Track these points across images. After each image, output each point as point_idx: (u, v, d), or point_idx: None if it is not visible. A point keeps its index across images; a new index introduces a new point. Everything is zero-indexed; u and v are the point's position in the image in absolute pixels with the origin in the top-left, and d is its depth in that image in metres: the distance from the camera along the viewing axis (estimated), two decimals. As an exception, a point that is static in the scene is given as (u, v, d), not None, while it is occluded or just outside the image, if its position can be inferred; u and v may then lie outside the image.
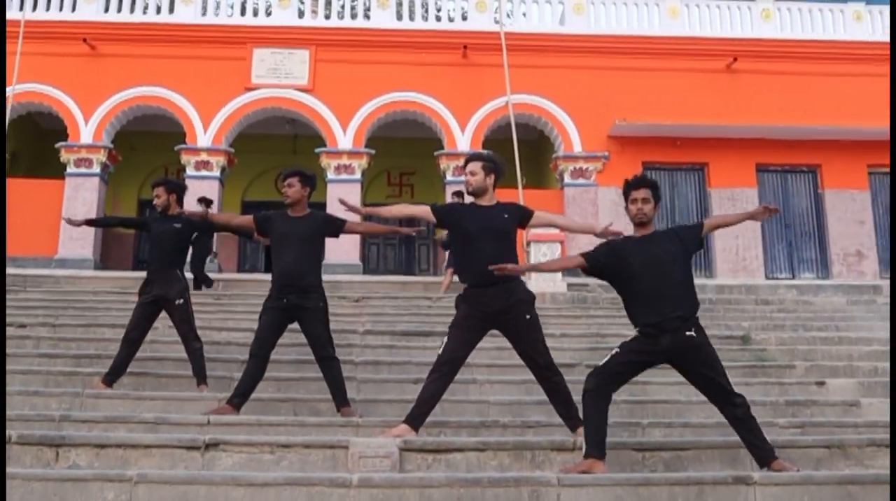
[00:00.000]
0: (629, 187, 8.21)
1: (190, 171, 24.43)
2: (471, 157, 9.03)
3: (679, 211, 25.30)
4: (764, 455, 7.78)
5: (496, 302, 8.61)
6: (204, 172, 24.24)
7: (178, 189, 11.73)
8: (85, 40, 24.63)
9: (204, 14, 25.95)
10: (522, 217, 8.92)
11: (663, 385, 11.23)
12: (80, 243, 22.93)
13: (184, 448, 7.90)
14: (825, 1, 26.92)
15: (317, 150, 24.86)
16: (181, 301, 11.13)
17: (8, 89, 22.21)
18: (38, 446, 7.81)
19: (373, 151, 24.95)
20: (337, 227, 10.35)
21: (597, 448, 7.74)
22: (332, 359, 10.09)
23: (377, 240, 29.61)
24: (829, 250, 25.04)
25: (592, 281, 16.71)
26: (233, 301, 17.78)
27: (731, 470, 7.83)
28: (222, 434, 8.31)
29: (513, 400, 10.83)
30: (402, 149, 28.11)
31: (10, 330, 13.72)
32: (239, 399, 9.59)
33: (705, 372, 7.92)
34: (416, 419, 8.49)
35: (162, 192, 11.44)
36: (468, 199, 8.95)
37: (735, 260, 24.41)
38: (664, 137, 24.93)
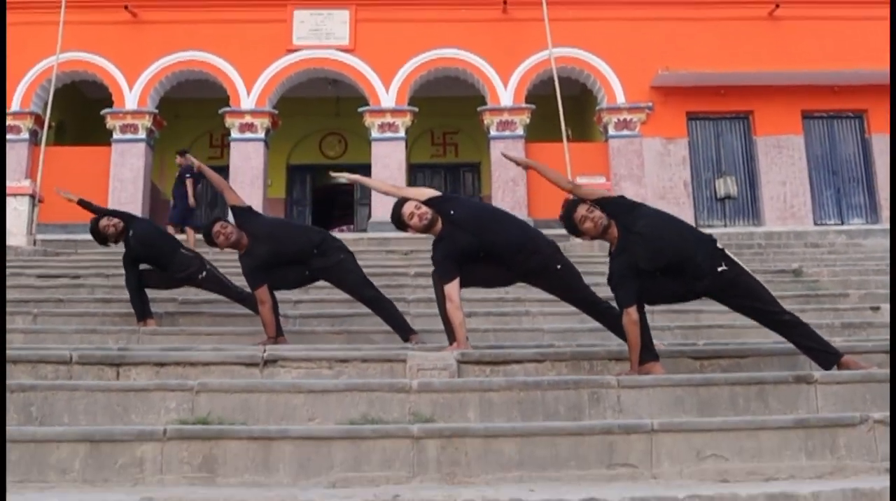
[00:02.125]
0: (569, 215, 8.17)
1: (234, 134, 24.48)
2: (396, 208, 9.14)
3: (725, 159, 25.12)
4: (827, 357, 7.74)
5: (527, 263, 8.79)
6: (248, 135, 24.27)
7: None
8: (126, 7, 24.65)
9: (243, -23, 25.94)
10: None
11: (716, 313, 11.15)
12: (130, 208, 22.93)
13: (243, 364, 7.97)
14: (867, -56, 26.60)
15: (360, 110, 24.83)
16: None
17: (52, 58, 22.37)
18: (98, 365, 7.90)
19: (416, 109, 24.89)
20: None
21: (649, 353, 7.75)
22: (380, 299, 10.14)
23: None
24: (877, 195, 24.71)
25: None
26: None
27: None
28: (280, 351, 8.32)
29: (565, 328, 10.83)
30: (445, 108, 27.95)
31: (63, 281, 13.86)
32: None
33: (749, 303, 7.95)
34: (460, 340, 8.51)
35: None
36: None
37: (783, 208, 24.18)
38: (708, 86, 24.68)
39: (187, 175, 20.89)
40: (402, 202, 8.98)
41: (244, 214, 10.43)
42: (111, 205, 22.79)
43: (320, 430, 6.23)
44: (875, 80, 24.17)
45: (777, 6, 25.04)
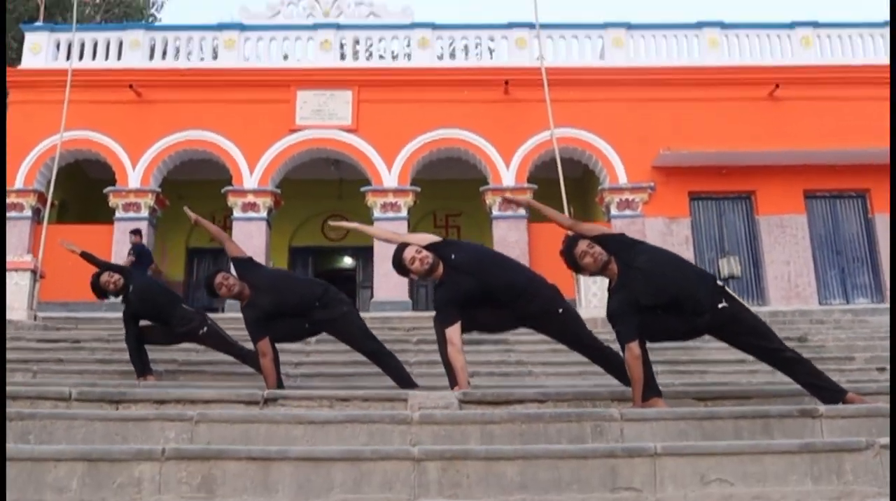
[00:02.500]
0: (570, 250, 8.17)
1: (237, 214, 24.55)
2: (398, 253, 9.04)
3: (728, 239, 25.15)
4: (831, 395, 7.70)
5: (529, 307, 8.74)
6: (251, 214, 24.34)
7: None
8: (131, 86, 24.90)
9: (247, 59, 26.25)
10: None
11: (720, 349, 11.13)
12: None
13: (242, 402, 7.89)
14: (864, 26, 26.84)
15: (362, 189, 24.93)
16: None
17: (56, 136, 22.43)
18: (98, 402, 7.81)
19: (418, 189, 24.99)
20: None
21: (651, 389, 7.71)
22: (382, 353, 10.12)
23: (426, 282, 29.57)
24: (882, 275, 24.68)
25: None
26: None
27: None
28: (281, 392, 8.29)
29: (569, 385, 10.75)
30: (448, 190, 28.08)
31: (63, 344, 13.84)
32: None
33: (750, 340, 7.94)
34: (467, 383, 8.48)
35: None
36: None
37: (787, 287, 24.14)
38: (709, 166, 24.79)
39: (129, 252, 20.88)
40: (403, 247, 8.95)
41: (246, 265, 10.40)
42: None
43: (320, 451, 6.14)
44: (877, 159, 24.23)
45: (777, 86, 25.23)
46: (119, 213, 24.40)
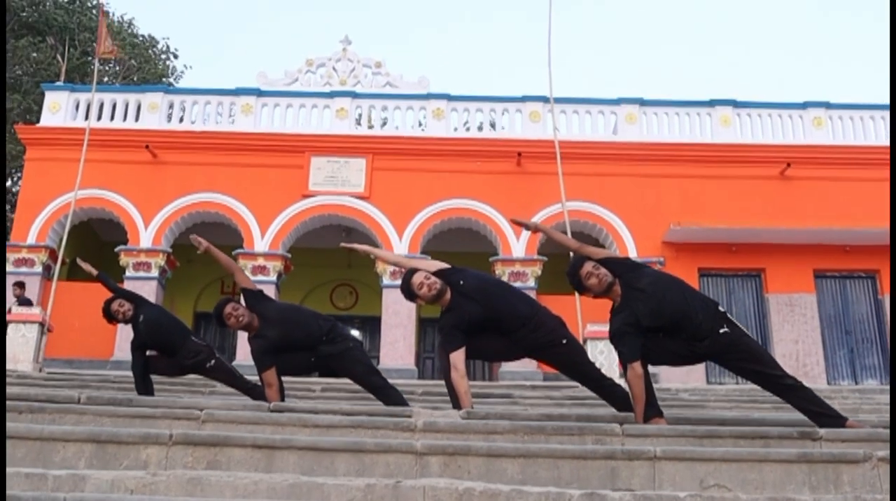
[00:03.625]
0: (575, 272, 8.29)
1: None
2: (407, 278, 9.08)
3: (737, 316, 25.03)
4: (830, 421, 7.73)
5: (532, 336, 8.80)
6: (261, 277, 24.35)
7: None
8: (147, 147, 25.15)
9: (263, 124, 26.52)
10: None
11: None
12: (138, 345, 23.01)
13: (250, 410, 7.94)
14: (876, 108, 27.04)
15: (372, 257, 24.97)
16: None
17: (70, 194, 22.60)
18: (107, 405, 7.89)
19: (428, 257, 25.04)
20: None
21: (653, 409, 7.78)
22: (387, 387, 10.16)
23: (432, 355, 29.60)
24: (891, 355, 24.71)
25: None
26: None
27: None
28: (287, 405, 8.36)
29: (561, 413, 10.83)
30: (458, 263, 27.79)
31: (69, 384, 13.91)
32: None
33: (750, 366, 8.02)
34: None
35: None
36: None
37: (795, 366, 24.00)
38: (719, 243, 24.89)
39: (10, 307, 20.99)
40: (412, 272, 9.02)
41: (256, 297, 10.46)
42: (118, 341, 23.00)
43: (324, 442, 6.20)
44: (887, 240, 24.24)
45: (788, 165, 25.39)
46: (129, 272, 24.54)
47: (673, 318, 7.87)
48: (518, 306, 8.88)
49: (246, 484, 5.18)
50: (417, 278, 8.86)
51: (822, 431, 7.28)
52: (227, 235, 25.40)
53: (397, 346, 24.21)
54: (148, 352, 11.79)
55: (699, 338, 7.87)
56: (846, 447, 7.05)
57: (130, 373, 11.95)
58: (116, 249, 25.00)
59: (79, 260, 14.01)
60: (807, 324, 24.67)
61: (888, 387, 22.58)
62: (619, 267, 8.30)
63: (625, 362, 7.86)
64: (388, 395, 10.07)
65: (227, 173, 25.45)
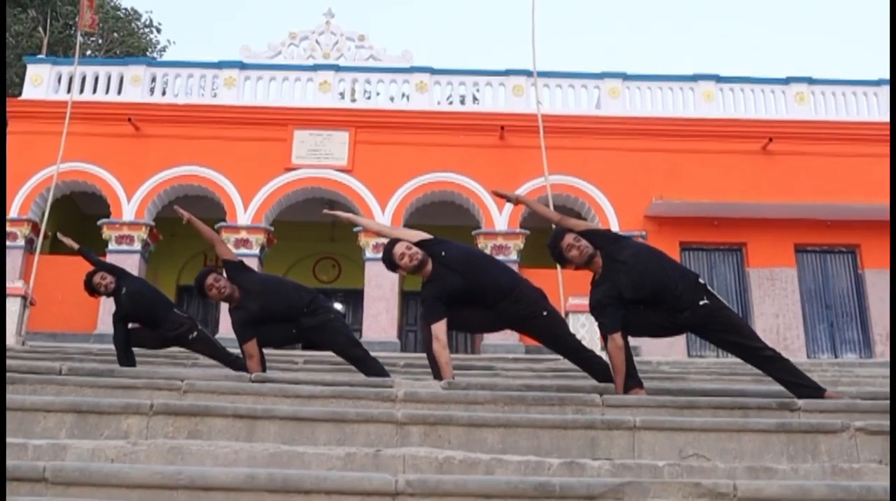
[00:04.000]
0: (556, 243, 8.37)
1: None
2: (388, 248, 9.19)
3: (718, 290, 24.92)
4: (809, 392, 7.80)
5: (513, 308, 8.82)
6: (244, 250, 24.25)
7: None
8: (130, 120, 25.07)
9: (246, 97, 26.45)
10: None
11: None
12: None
13: (230, 381, 7.95)
14: (858, 84, 27.08)
15: (355, 229, 24.95)
16: None
17: (53, 167, 22.49)
18: (88, 376, 7.89)
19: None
20: None
21: (633, 379, 7.84)
22: (367, 358, 10.19)
23: (415, 328, 29.63)
24: (870, 330, 24.77)
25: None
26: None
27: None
28: (268, 375, 8.39)
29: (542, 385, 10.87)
30: (440, 235, 28.04)
31: (53, 355, 13.88)
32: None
33: (730, 337, 8.05)
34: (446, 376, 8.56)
35: None
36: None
37: (776, 340, 23.96)
38: (701, 217, 24.91)
39: None
40: (393, 242, 9.05)
41: (237, 268, 10.48)
42: (101, 315, 22.96)
43: (305, 412, 6.24)
44: (868, 215, 24.42)
45: (770, 140, 25.41)
46: (112, 246, 24.47)
47: (654, 290, 7.93)
48: (500, 278, 8.92)
49: (226, 453, 5.21)
50: (399, 248, 8.90)
51: (801, 402, 7.34)
52: (210, 208, 25.33)
53: (380, 319, 24.19)
54: (130, 325, 11.80)
55: (679, 310, 7.93)
56: (824, 417, 7.11)
57: (113, 346, 11.95)
58: (99, 222, 24.91)
59: (59, 235, 14.03)
60: (787, 298, 24.74)
61: (867, 361, 22.70)
62: (601, 239, 8.35)
63: (605, 333, 7.92)
64: (370, 366, 10.10)
65: (210, 146, 25.37)
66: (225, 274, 10.47)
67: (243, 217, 24.86)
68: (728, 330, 8.02)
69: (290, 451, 5.26)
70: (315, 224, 28.41)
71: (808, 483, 5.06)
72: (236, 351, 10.66)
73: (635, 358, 8.37)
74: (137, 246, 24.57)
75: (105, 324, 22.82)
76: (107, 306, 22.19)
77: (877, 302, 24.69)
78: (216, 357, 11.56)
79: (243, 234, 24.70)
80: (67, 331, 22.75)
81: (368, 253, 24.68)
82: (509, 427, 6.18)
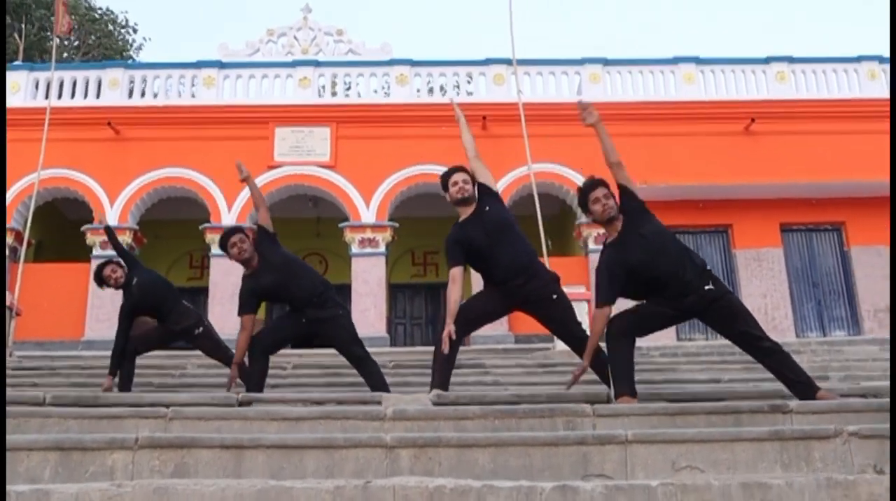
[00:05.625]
0: (587, 191, 8.36)
1: (214, 250, 24.30)
2: (455, 170, 9.26)
3: (705, 273, 25.16)
4: (804, 389, 7.80)
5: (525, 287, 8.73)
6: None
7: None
8: (109, 124, 24.94)
9: (225, 96, 26.34)
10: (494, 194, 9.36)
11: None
12: (107, 324, 22.79)
13: (217, 406, 7.89)
14: (838, 61, 27.07)
15: (341, 225, 24.94)
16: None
17: (34, 174, 22.38)
18: (73, 406, 7.82)
19: (396, 224, 25.03)
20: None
21: (627, 386, 7.80)
22: (367, 360, 10.15)
23: (403, 320, 29.64)
24: (858, 307, 24.83)
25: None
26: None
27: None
28: (255, 396, 8.34)
29: (532, 393, 10.86)
30: (426, 228, 27.99)
31: (39, 372, 13.82)
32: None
33: (732, 324, 8.03)
34: (442, 384, 8.49)
35: None
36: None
37: (764, 320, 23.94)
38: (686, 200, 24.84)
39: None
40: (459, 169, 9.36)
41: (268, 238, 10.47)
42: (88, 321, 22.93)
43: (293, 439, 6.18)
44: (853, 192, 24.47)
45: (753, 121, 25.41)
46: (97, 251, 24.25)
47: (664, 272, 7.98)
48: (520, 254, 8.93)
49: (213, 492, 5.15)
50: (461, 175, 9.15)
51: (793, 404, 7.32)
52: (193, 209, 25.32)
53: (368, 314, 24.09)
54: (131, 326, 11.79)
55: (685, 294, 7.93)
56: (817, 420, 7.09)
57: (102, 353, 11.93)
58: (83, 228, 24.81)
59: (95, 215, 14.26)
60: (774, 278, 24.79)
61: (856, 338, 22.75)
62: (631, 203, 8.44)
63: (599, 300, 7.90)
64: (368, 369, 10.09)
65: (192, 147, 25.27)
66: (251, 239, 10.42)
67: (227, 217, 24.72)
68: (732, 317, 8.10)
69: (278, 486, 5.20)
70: (300, 220, 28.38)
71: (803, 501, 5.03)
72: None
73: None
74: (121, 250, 24.39)
75: (93, 331, 22.90)
76: (94, 313, 22.24)
77: (863, 278, 24.78)
78: (218, 355, 11.60)
79: (227, 234, 24.53)
80: (55, 340, 22.63)
81: (354, 249, 24.70)
82: (500, 446, 6.13)
